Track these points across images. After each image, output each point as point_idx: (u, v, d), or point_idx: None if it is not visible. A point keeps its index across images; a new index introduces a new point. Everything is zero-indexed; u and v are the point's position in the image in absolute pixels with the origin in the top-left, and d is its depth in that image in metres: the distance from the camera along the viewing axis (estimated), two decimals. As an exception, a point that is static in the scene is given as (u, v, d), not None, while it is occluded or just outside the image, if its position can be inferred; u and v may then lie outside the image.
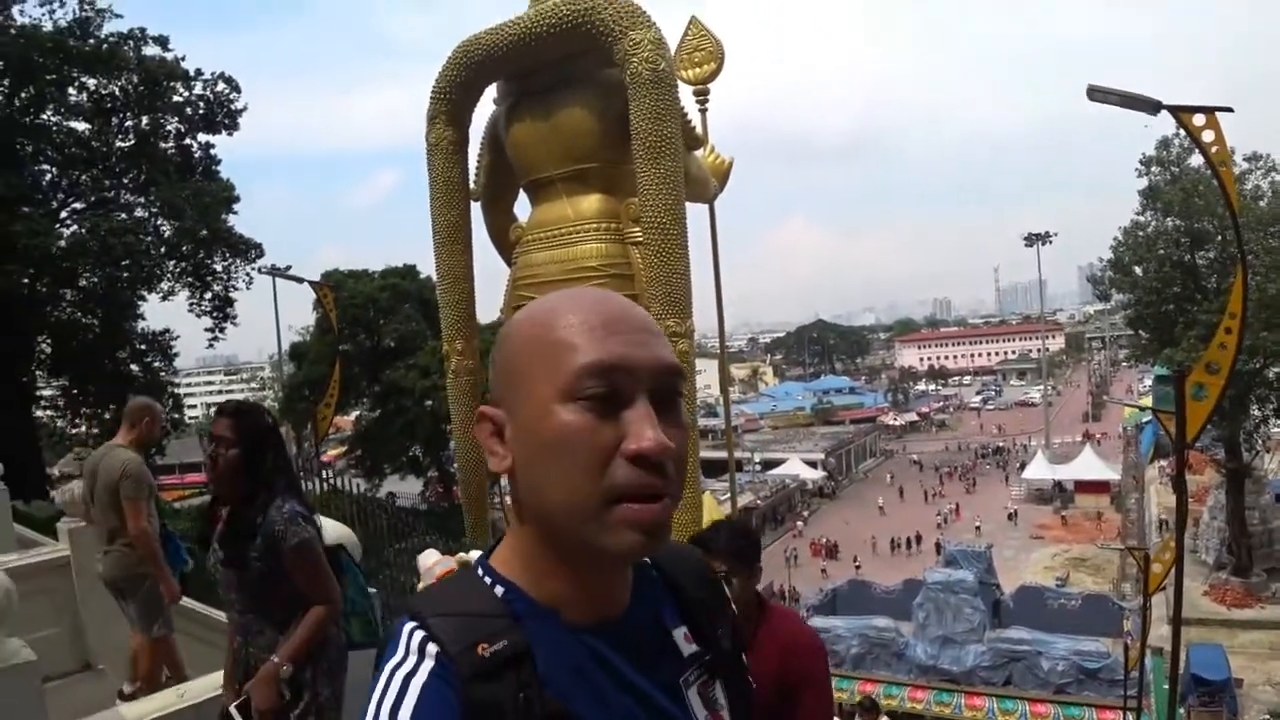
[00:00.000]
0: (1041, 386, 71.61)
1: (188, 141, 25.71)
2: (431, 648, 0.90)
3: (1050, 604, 20.88)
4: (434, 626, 0.92)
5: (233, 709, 2.79)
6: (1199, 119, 7.86)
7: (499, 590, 0.98)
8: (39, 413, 25.25)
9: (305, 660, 2.88)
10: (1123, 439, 48.68)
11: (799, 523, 44.60)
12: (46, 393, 25.74)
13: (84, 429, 25.08)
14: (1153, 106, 8.25)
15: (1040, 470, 45.11)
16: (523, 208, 5.41)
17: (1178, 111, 8.02)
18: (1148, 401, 31.30)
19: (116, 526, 4.94)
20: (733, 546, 2.87)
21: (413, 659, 0.90)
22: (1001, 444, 63.05)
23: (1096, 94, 8.43)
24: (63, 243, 22.15)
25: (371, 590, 3.59)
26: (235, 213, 25.72)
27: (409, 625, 0.93)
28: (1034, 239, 58.91)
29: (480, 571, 1.02)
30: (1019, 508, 43.28)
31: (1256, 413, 23.63)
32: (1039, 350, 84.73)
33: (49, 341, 23.91)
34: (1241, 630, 21.22)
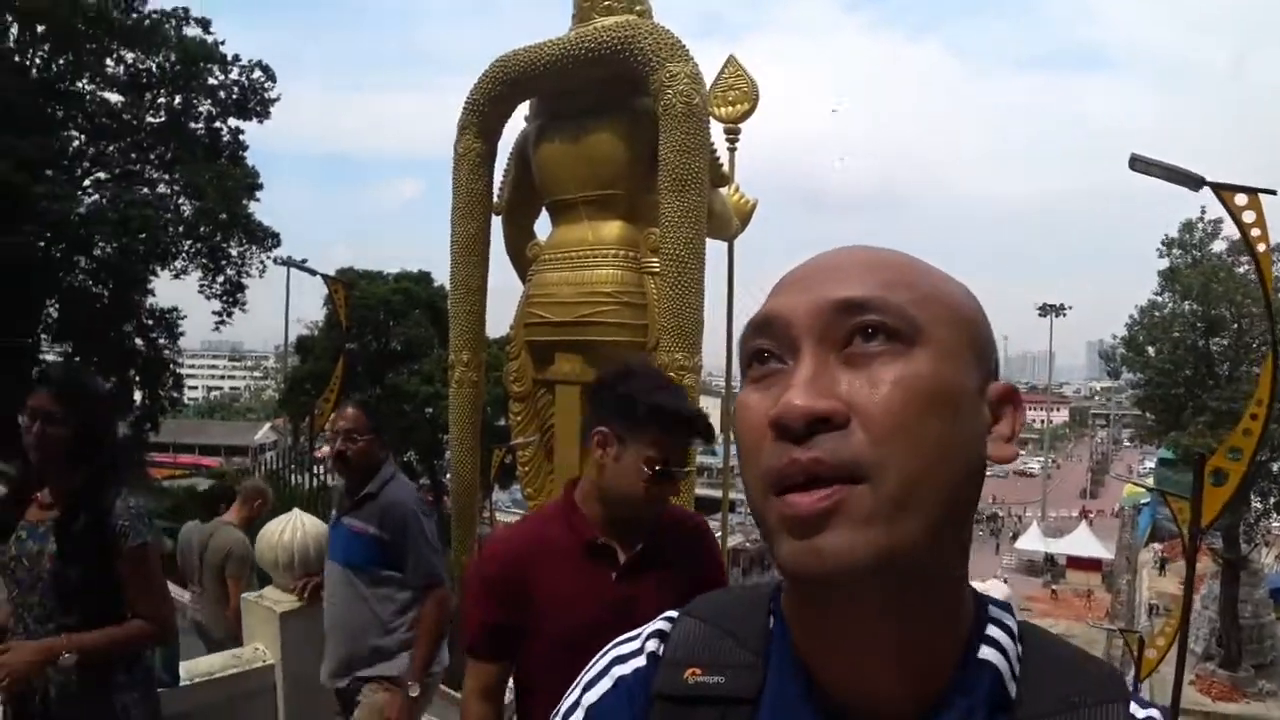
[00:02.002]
0: (1042, 458, 71.36)
1: (218, 124, 25.91)
2: (652, 645, 0.79)
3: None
4: (678, 625, 0.79)
5: None
6: (1241, 198, 7.81)
7: (772, 622, 0.76)
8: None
9: (111, 667, 2.39)
10: (1119, 518, 48.38)
11: (785, 568, 44.29)
12: (49, 357, 25.74)
13: (81, 398, 25.06)
14: (1195, 182, 8.20)
15: (1033, 542, 44.76)
16: (543, 226, 5.38)
17: (1220, 189, 7.96)
18: (1150, 483, 31.10)
19: (223, 596, 5.41)
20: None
21: (634, 645, 0.80)
22: (997, 511, 62.64)
23: (1138, 164, 8.32)
24: (82, 210, 22.25)
25: None
26: (257, 200, 25.91)
27: (667, 615, 0.82)
28: (1048, 310, 58.90)
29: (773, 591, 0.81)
30: (1008, 577, 42.98)
31: (1258, 505, 23.48)
32: (1043, 421, 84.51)
33: (57, 306, 23.94)
34: (1223, 725, 20.94)
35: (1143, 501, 39.19)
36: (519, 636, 2.09)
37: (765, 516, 0.65)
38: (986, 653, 0.69)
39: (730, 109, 6.12)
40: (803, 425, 0.61)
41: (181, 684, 3.03)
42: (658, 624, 0.81)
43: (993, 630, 0.70)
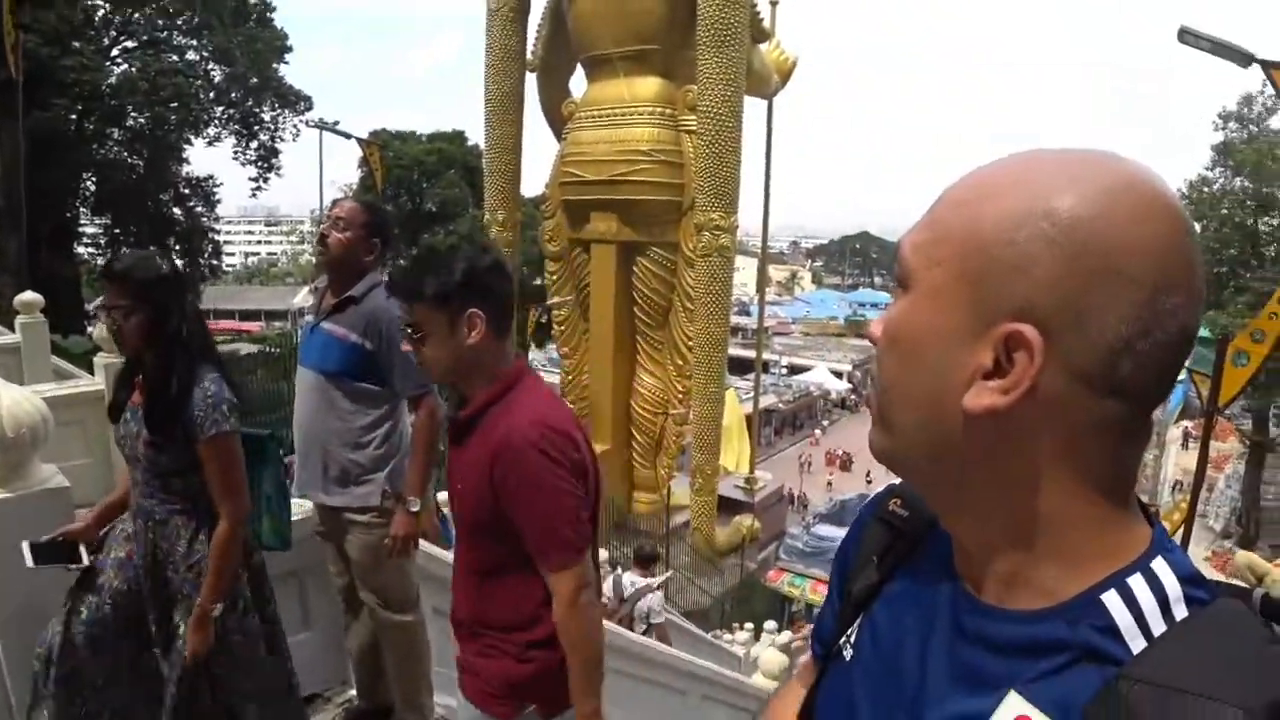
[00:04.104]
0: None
1: (242, -15, 25.19)
2: (895, 484, 0.92)
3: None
4: None
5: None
6: (1293, 77, 7.54)
7: None
8: (80, 249, 25.55)
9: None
10: (1150, 397, 48.16)
11: (817, 431, 44.54)
12: (88, 230, 26.01)
13: (123, 268, 25.48)
14: (1244, 59, 7.87)
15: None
16: (579, 83, 5.31)
17: (1272, 67, 7.66)
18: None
19: None
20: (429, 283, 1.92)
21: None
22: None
23: (1187, 37, 8.04)
24: (112, 80, 22.05)
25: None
26: (287, 63, 25.55)
27: None
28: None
29: None
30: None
31: (1291, 390, 23.23)
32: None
33: (93, 179, 24.01)
34: (1237, 600, 21.30)
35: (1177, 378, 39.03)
36: None
37: None
38: (1109, 597, 0.65)
39: (771, -39, 5.90)
40: (870, 341, 0.76)
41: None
42: None
43: (1135, 581, 0.65)
